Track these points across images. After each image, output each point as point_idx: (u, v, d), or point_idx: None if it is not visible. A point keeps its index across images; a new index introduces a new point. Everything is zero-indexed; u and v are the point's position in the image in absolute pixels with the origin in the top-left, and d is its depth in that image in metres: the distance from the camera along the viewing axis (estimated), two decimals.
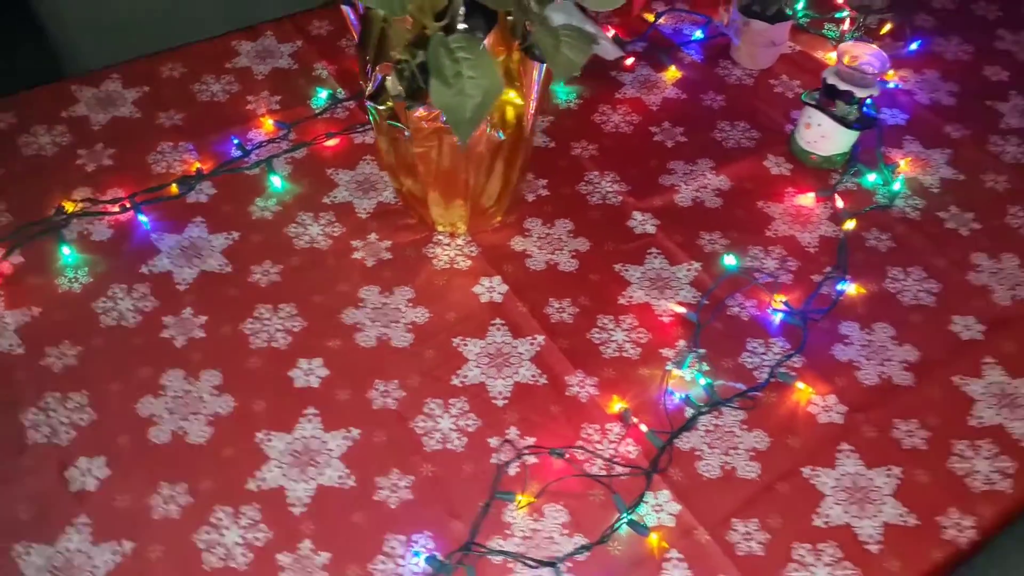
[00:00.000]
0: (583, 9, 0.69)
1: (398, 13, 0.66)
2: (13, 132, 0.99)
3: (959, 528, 0.72)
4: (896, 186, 0.99)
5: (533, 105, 0.76)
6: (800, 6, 1.18)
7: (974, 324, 0.87)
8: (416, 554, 0.68)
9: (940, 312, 0.88)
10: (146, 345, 0.81)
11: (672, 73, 1.12)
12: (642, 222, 0.94)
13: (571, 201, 0.96)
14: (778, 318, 0.86)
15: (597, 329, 0.84)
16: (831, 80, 0.95)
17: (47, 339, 0.81)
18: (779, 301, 0.87)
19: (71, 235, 0.89)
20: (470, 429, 0.76)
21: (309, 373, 0.79)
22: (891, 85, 1.12)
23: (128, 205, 0.92)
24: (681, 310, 0.86)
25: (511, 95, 0.75)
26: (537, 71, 0.73)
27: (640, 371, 0.81)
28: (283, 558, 0.68)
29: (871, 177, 0.99)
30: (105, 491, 0.71)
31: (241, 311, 0.84)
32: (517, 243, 0.91)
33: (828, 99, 0.97)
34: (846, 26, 1.16)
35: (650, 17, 1.18)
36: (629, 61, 1.12)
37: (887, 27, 1.17)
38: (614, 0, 0.68)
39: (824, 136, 0.98)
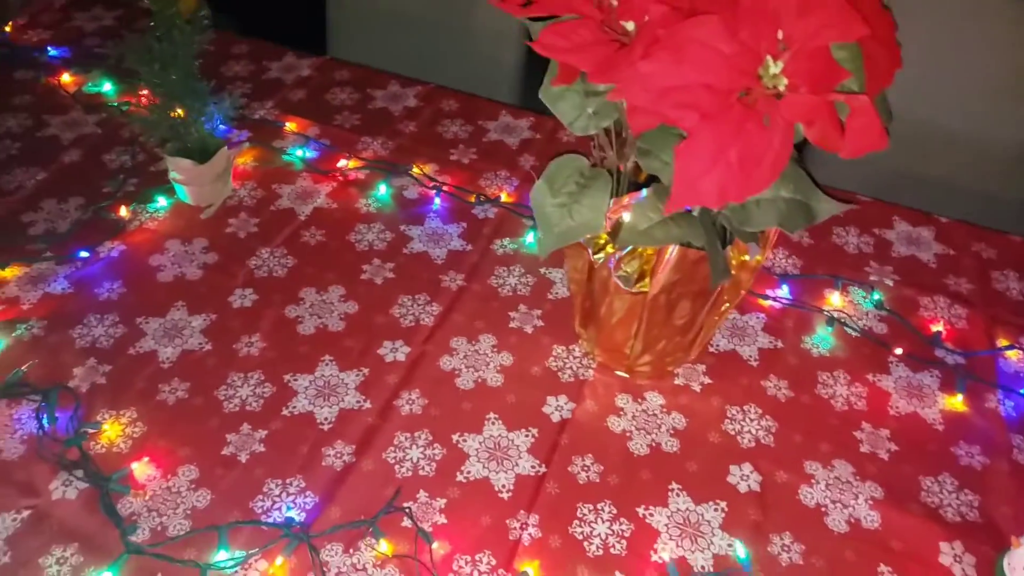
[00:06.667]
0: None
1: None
2: None
3: None
4: None
5: (662, 278, 0.77)
6: None
7: None
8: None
9: None
10: None
11: (953, 400, 0.93)
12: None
13: (706, 415, 0.90)
14: None
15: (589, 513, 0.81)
16: None
17: None
18: None
19: None
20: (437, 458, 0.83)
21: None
22: None
23: None
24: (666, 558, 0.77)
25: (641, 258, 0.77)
26: (669, 253, 0.74)
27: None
28: None
29: None
30: None
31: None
32: (621, 398, 0.91)
33: None
34: None
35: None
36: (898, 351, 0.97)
37: None
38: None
39: None
